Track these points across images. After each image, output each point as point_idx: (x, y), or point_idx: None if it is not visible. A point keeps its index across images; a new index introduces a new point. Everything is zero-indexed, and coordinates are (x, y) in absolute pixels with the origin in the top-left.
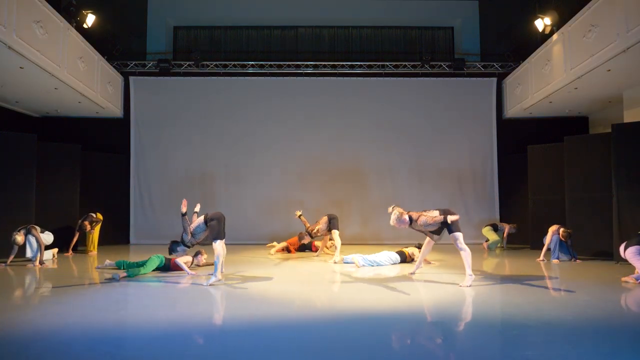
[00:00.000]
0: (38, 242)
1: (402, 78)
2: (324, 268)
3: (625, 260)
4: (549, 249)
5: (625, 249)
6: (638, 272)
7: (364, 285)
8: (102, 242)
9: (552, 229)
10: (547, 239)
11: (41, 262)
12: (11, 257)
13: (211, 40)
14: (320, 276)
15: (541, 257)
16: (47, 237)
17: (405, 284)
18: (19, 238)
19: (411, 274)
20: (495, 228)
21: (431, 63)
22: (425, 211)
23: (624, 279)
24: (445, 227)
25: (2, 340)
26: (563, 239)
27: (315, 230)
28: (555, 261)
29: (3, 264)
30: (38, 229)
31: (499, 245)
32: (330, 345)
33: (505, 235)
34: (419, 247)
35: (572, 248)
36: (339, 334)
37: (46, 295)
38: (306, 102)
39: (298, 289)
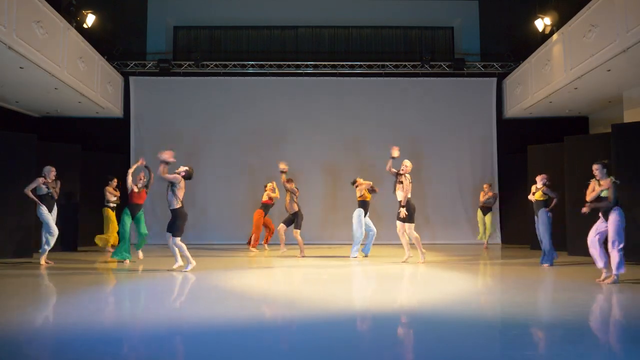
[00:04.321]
0: (46, 235)
1: (402, 78)
2: (323, 267)
3: None
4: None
5: None
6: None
7: (363, 284)
8: None
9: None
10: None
11: (46, 262)
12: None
13: (211, 40)
14: (320, 276)
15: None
16: (50, 239)
17: (404, 284)
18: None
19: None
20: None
21: (431, 63)
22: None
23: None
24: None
25: (2, 340)
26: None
27: None
28: (546, 265)
29: (51, 262)
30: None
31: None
32: (330, 345)
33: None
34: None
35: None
36: (340, 334)
37: (46, 295)
38: (306, 102)
39: (297, 288)
